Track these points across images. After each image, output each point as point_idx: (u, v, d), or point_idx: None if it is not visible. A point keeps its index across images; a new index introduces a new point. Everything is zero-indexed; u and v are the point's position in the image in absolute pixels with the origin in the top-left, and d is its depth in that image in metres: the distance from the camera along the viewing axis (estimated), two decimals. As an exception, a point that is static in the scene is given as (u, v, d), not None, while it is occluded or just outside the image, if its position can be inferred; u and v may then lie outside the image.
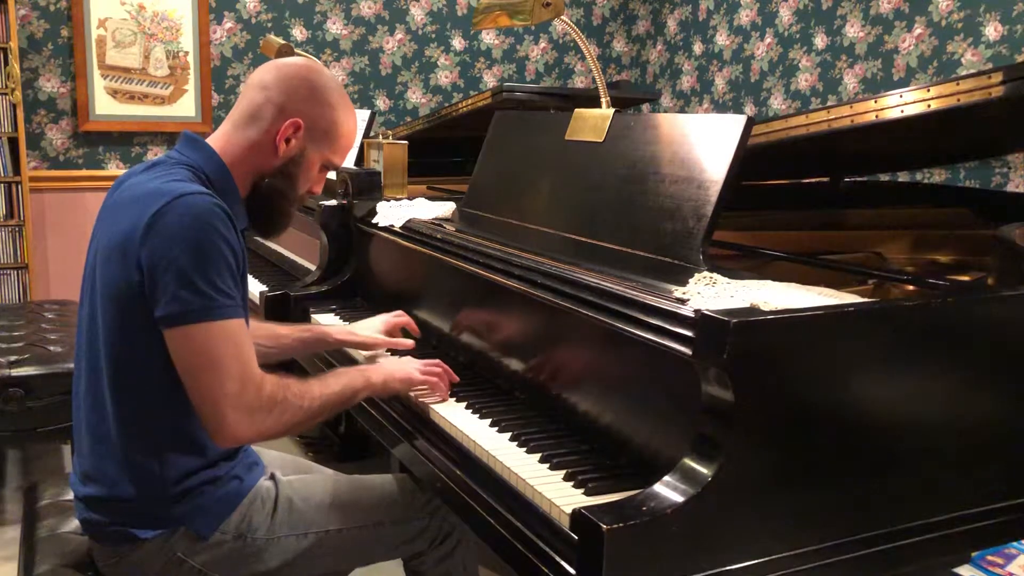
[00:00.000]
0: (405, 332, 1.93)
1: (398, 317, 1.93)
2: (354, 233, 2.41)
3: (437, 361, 1.69)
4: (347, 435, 3.17)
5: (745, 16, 4.29)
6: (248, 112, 1.52)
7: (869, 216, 2.35)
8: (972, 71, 2.73)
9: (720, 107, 4.47)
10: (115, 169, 4.19)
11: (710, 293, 1.32)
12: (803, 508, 1.21)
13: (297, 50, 3.03)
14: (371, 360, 1.87)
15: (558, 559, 1.17)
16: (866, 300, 1.33)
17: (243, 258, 1.45)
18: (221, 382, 1.34)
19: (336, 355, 2.02)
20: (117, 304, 1.40)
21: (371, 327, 1.89)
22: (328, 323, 2.19)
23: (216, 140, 1.53)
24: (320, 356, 2.07)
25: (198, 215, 1.35)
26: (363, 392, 1.58)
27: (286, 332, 1.85)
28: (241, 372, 1.36)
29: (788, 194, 2.60)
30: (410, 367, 1.65)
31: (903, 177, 3.36)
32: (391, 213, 2.26)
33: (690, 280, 1.38)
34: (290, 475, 1.69)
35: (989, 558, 2.39)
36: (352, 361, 1.94)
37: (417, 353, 1.88)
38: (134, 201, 1.40)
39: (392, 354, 1.90)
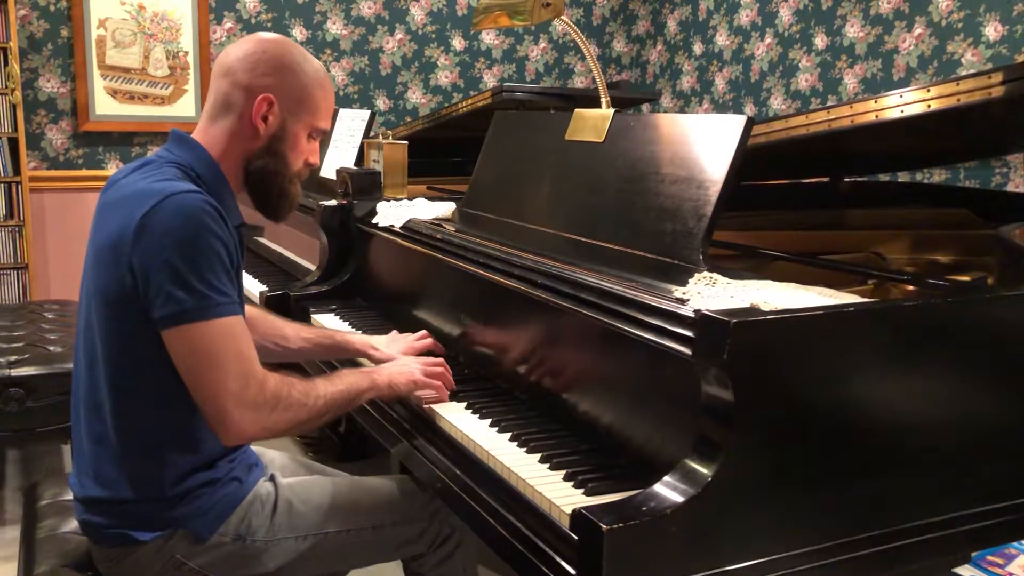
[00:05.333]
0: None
1: (421, 340, 1.84)
2: (354, 233, 2.41)
3: (440, 360, 1.68)
4: (347, 435, 3.18)
5: (745, 16, 4.29)
6: (218, 102, 1.50)
7: (869, 216, 2.35)
8: (972, 71, 2.73)
9: (720, 107, 4.46)
10: (115, 169, 4.18)
11: (710, 293, 1.32)
12: (803, 508, 1.21)
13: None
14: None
15: (558, 559, 1.17)
16: (866, 300, 1.33)
17: (237, 253, 1.44)
18: (223, 380, 1.34)
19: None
20: (111, 306, 1.39)
21: (394, 348, 1.81)
22: (331, 326, 2.17)
23: (196, 137, 1.51)
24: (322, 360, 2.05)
25: (188, 214, 1.34)
26: (368, 394, 1.57)
27: (294, 334, 1.82)
28: (242, 369, 1.35)
29: (788, 194, 2.60)
30: (413, 367, 1.64)
31: (903, 177, 3.36)
32: (391, 213, 2.25)
33: (690, 280, 1.38)
34: (290, 475, 1.69)
35: (989, 558, 2.39)
36: (353, 364, 1.93)
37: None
38: (123, 202, 1.39)
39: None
